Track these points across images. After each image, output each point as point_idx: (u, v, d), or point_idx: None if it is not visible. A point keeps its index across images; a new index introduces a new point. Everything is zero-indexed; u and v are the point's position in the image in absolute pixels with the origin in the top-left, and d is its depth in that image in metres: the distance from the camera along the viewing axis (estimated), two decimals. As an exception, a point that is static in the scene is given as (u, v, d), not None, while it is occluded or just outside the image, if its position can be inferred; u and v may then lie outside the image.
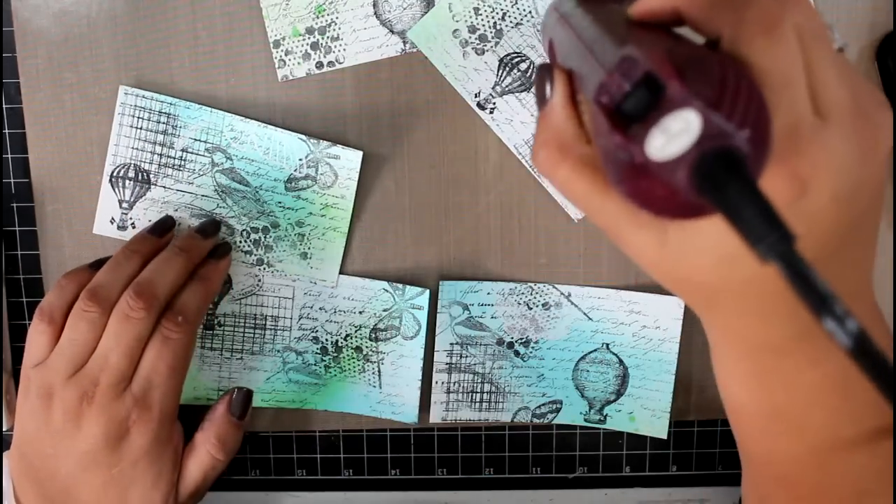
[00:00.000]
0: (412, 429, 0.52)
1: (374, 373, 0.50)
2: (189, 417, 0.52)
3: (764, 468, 0.34)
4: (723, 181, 0.21)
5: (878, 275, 0.49)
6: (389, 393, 0.50)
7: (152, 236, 0.46)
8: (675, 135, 0.21)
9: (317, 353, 0.50)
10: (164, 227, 0.47)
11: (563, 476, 0.53)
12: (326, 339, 0.50)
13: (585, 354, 0.50)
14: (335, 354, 0.50)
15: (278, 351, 0.50)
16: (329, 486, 0.53)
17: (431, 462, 0.52)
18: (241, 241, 0.48)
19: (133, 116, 0.47)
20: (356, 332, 0.50)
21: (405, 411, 0.50)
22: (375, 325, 0.49)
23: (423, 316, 0.49)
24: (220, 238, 0.48)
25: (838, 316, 0.20)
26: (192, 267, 0.45)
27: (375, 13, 0.46)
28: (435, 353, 0.50)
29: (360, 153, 0.47)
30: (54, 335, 0.42)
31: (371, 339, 0.50)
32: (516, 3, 0.46)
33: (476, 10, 0.46)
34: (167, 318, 0.43)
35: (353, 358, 0.50)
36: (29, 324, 0.50)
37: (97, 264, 0.45)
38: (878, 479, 0.31)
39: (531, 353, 0.50)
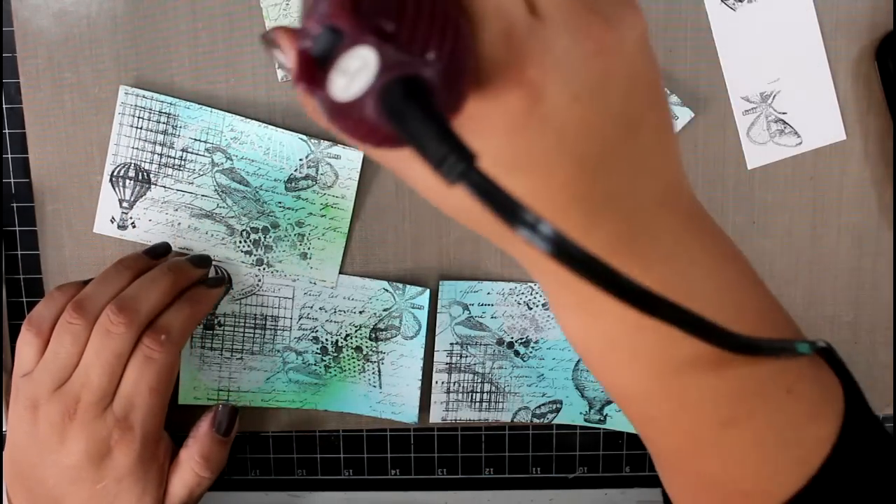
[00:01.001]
0: (412, 429, 0.52)
1: (374, 373, 0.50)
2: (189, 418, 0.52)
3: (626, 409, 0.32)
4: (404, 110, 0.21)
5: (878, 274, 0.49)
6: (389, 393, 0.50)
7: (146, 257, 0.46)
8: (354, 73, 0.21)
9: (317, 352, 0.50)
10: (158, 251, 0.47)
11: (563, 476, 0.53)
12: (326, 339, 0.50)
13: None
14: (335, 354, 0.50)
15: (278, 351, 0.50)
16: (329, 486, 0.53)
17: (431, 462, 0.52)
18: (241, 241, 0.49)
19: (133, 116, 0.47)
20: (356, 331, 0.50)
21: (405, 411, 0.50)
22: (375, 324, 0.49)
23: (423, 316, 0.49)
24: (212, 272, 0.49)
25: (530, 223, 0.20)
26: (178, 289, 0.45)
27: (375, 13, 0.46)
28: (435, 353, 0.50)
29: (362, 153, 0.47)
30: (41, 346, 0.42)
31: (371, 339, 0.50)
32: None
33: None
34: (149, 336, 0.42)
35: (353, 358, 0.50)
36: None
37: (88, 281, 0.45)
38: (739, 404, 0.29)
39: (531, 352, 0.50)
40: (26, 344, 0.43)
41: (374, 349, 0.50)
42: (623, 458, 0.52)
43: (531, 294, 0.49)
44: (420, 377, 0.50)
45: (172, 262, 0.46)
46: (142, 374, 0.42)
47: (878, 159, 0.48)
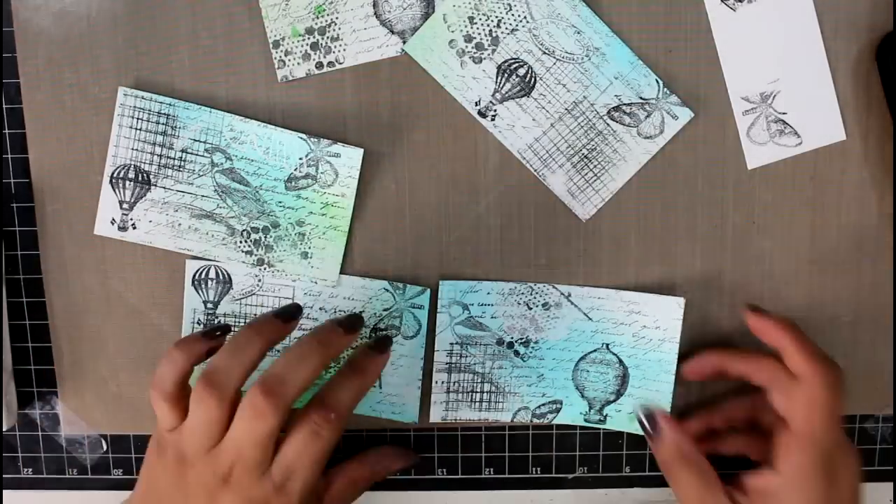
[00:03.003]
0: (412, 429, 0.52)
1: (374, 373, 0.50)
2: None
3: None
4: None
5: (878, 274, 0.49)
6: (389, 393, 0.50)
7: (277, 320, 0.43)
8: None
9: (316, 353, 0.50)
10: (290, 313, 0.44)
11: (563, 476, 0.53)
12: (326, 340, 0.50)
13: (585, 354, 0.50)
14: (335, 355, 0.50)
15: (278, 351, 0.50)
16: (329, 486, 0.53)
17: (431, 462, 0.53)
18: (241, 242, 0.49)
19: (132, 118, 0.47)
20: (356, 332, 0.50)
21: (405, 411, 0.50)
22: (376, 324, 0.49)
23: (423, 315, 0.49)
24: (365, 333, 0.48)
25: None
26: (327, 364, 0.42)
27: (375, 13, 0.46)
28: (435, 353, 0.50)
29: (361, 150, 0.47)
30: (175, 406, 0.41)
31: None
32: (511, 9, 0.46)
33: (471, 18, 0.46)
34: (318, 412, 0.41)
35: (353, 358, 0.50)
36: (29, 324, 0.51)
37: (209, 334, 0.43)
38: None
39: (531, 353, 0.50)
40: (159, 407, 0.42)
41: (373, 349, 0.50)
42: (623, 458, 0.52)
43: (531, 294, 0.49)
44: (420, 377, 0.50)
45: (321, 335, 0.42)
46: (306, 446, 0.41)
47: (878, 159, 0.48)
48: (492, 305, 0.49)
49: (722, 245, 0.49)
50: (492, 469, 0.53)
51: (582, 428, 0.52)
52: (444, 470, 0.53)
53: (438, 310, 0.49)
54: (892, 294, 0.49)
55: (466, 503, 0.53)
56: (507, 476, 0.53)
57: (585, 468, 0.53)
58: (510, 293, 0.49)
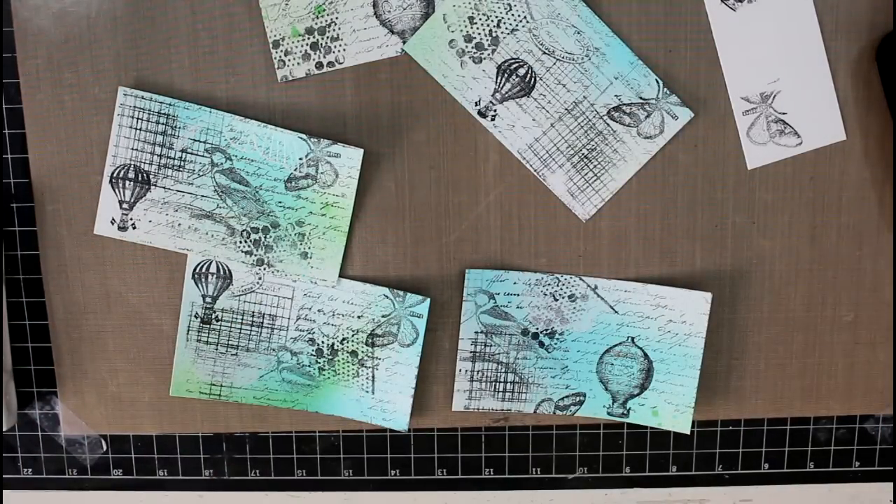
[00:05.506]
0: (412, 428, 0.52)
1: (367, 378, 0.50)
2: (181, 412, 0.52)
3: None
4: None
5: (878, 274, 0.49)
6: (381, 399, 0.50)
7: None
8: None
9: (312, 354, 0.50)
10: None
11: (563, 476, 0.53)
12: (322, 342, 0.50)
13: (610, 347, 0.50)
14: (330, 357, 0.50)
15: (273, 350, 0.50)
16: (329, 486, 0.53)
17: (431, 462, 0.53)
18: (241, 242, 0.49)
19: (132, 117, 0.47)
20: (353, 336, 0.50)
21: (396, 418, 0.50)
22: (373, 330, 0.49)
23: (421, 324, 0.49)
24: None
25: None
26: None
27: (375, 13, 0.46)
28: (459, 342, 0.50)
29: (361, 151, 0.47)
30: None
31: (368, 345, 0.50)
32: (511, 9, 0.46)
33: (471, 18, 0.46)
34: None
35: (348, 362, 0.50)
36: (29, 324, 0.51)
37: None
38: None
39: (556, 344, 0.50)
40: None
41: (369, 354, 0.50)
42: (623, 458, 0.52)
43: (558, 285, 0.49)
44: (413, 385, 0.50)
45: None
46: None
47: (878, 159, 0.48)
48: (518, 295, 0.49)
49: (722, 245, 0.49)
50: (492, 469, 0.53)
51: (582, 427, 0.52)
52: (444, 470, 0.53)
53: (464, 298, 0.49)
54: (891, 294, 0.49)
55: (466, 503, 0.53)
56: (507, 476, 0.53)
57: (585, 468, 0.53)
58: (536, 283, 0.49)
